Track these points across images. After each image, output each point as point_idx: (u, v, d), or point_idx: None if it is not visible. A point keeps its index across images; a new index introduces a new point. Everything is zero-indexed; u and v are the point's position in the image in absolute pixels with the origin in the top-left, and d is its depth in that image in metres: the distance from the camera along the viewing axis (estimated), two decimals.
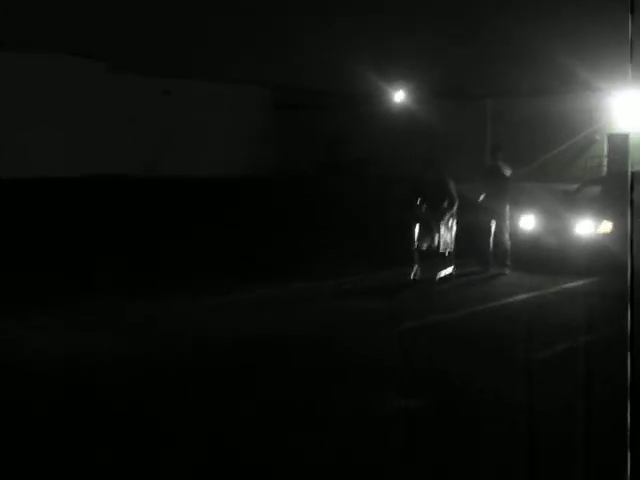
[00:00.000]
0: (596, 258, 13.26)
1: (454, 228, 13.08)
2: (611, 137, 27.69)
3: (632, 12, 3.75)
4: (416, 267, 12.64)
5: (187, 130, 32.71)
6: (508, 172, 13.86)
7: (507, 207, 13.83)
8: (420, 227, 12.76)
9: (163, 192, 20.51)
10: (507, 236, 13.86)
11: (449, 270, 12.89)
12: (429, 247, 12.77)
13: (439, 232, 12.74)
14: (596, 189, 16.41)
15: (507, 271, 13.67)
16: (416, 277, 12.58)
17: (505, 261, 13.77)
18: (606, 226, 13.73)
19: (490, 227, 13.74)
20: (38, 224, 15.72)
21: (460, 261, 13.39)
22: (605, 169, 27.68)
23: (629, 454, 4.04)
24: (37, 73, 27.76)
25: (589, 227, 13.83)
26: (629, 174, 18.79)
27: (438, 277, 12.65)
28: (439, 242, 12.76)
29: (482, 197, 13.85)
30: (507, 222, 13.89)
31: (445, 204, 12.82)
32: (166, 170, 29.13)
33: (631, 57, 3.91)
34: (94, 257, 13.93)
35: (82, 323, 9.63)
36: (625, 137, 26.67)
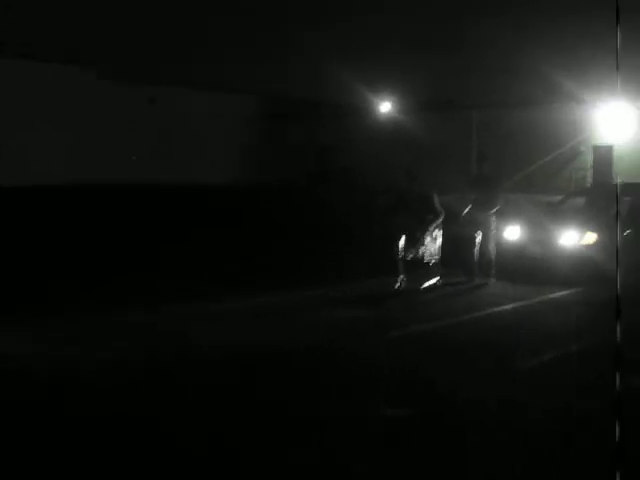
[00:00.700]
0: (580, 268, 13.34)
1: (439, 239, 13.13)
2: (596, 149, 27.83)
3: (618, 23, 3.78)
4: (401, 277, 12.69)
5: (176, 138, 32.69)
6: (495, 181, 13.92)
7: (493, 217, 13.88)
8: (405, 237, 12.80)
9: (152, 200, 20.45)
10: (492, 246, 13.92)
11: (434, 280, 12.94)
12: (414, 257, 12.82)
13: (424, 243, 12.79)
14: (581, 200, 16.52)
15: (492, 281, 13.73)
16: (401, 287, 12.63)
17: (490, 271, 13.83)
18: (590, 237, 13.81)
19: (475, 237, 13.80)
20: (32, 232, 15.66)
21: (445, 271, 13.44)
22: (590, 181, 27.82)
23: (617, 466, 4.05)
24: (29, 81, 27.73)
25: (574, 238, 13.92)
26: (614, 186, 18.91)
27: (423, 287, 12.70)
28: (424, 252, 12.80)
29: (467, 208, 13.90)
30: (493, 232, 13.94)
31: (430, 216, 12.86)
32: (156, 178, 29.09)
33: (617, 69, 3.95)
34: (88, 265, 13.90)
35: (85, 330, 9.62)
36: (610, 149, 26.83)
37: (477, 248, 13.82)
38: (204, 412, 6.69)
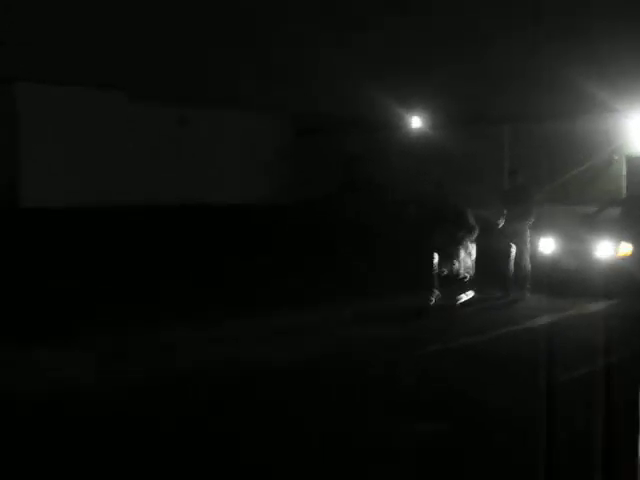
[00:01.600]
0: (616, 280, 13.24)
1: (473, 253, 13.13)
2: (629, 159, 27.64)
3: None
4: (436, 292, 12.69)
5: (206, 158, 32.91)
6: (527, 194, 13.88)
7: (527, 230, 13.85)
8: (440, 252, 12.81)
9: (182, 220, 20.63)
10: (527, 260, 13.88)
11: (470, 294, 12.92)
12: (449, 272, 12.82)
13: (459, 257, 12.79)
14: (615, 211, 16.40)
15: (527, 295, 13.68)
16: (437, 302, 12.62)
17: (525, 285, 13.78)
18: (626, 248, 13.72)
19: (510, 251, 13.76)
20: (59, 253, 15.87)
21: (481, 285, 13.42)
22: (624, 191, 27.62)
23: None
24: (63, 105, 28.09)
25: (609, 249, 13.83)
26: None
27: (459, 302, 12.68)
28: (459, 267, 12.80)
29: (502, 221, 13.87)
30: (528, 246, 13.91)
31: (464, 231, 12.87)
32: (184, 198, 29.30)
33: None
34: (111, 285, 14.06)
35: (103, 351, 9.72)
36: None
37: (512, 262, 13.79)
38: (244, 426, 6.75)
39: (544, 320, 11.58)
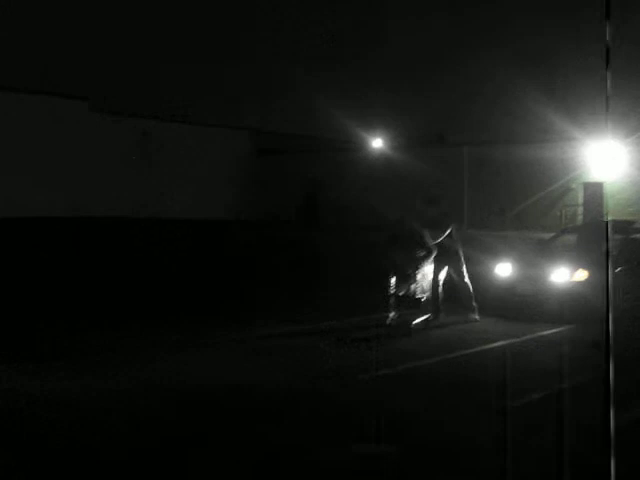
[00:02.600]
0: (571, 306, 13.31)
1: (430, 274, 13.13)
2: (587, 186, 27.99)
3: (608, 63, 3.81)
4: (393, 313, 12.64)
5: (166, 172, 32.75)
6: (446, 222, 13.73)
7: (459, 252, 13.83)
8: (397, 274, 12.78)
9: (141, 234, 20.43)
10: (466, 279, 13.87)
11: (426, 316, 12.90)
12: (406, 293, 12.79)
13: (416, 278, 12.76)
14: (572, 237, 16.55)
15: (475, 316, 13.68)
16: (392, 323, 12.57)
17: (470, 304, 13.77)
18: (581, 274, 13.80)
19: (438, 274, 13.65)
20: (16, 265, 15.61)
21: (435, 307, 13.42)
22: (581, 218, 27.92)
23: None
24: (22, 113, 27.81)
25: (565, 275, 13.90)
26: (605, 223, 18.94)
27: (414, 323, 12.65)
28: (416, 288, 12.77)
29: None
30: (463, 267, 13.88)
31: (422, 252, 12.85)
32: (145, 212, 29.11)
33: (607, 108, 3.97)
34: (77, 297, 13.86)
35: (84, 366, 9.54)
36: (600, 186, 26.98)
37: (439, 284, 13.74)
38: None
39: (499, 344, 11.57)
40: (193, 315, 13.37)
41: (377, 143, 32.92)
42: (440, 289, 13.80)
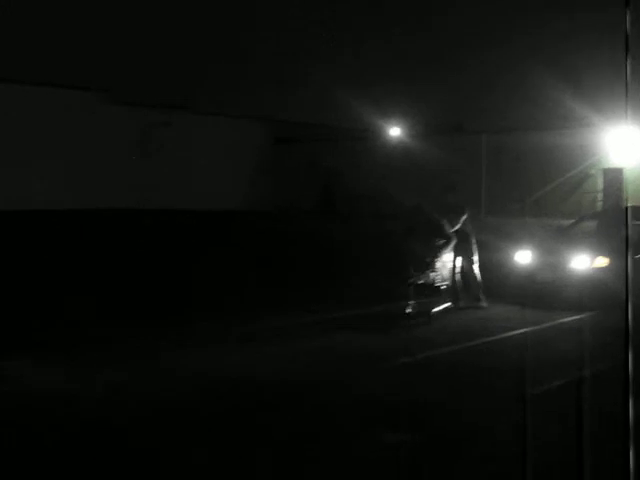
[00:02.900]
0: (592, 293, 13.26)
1: (449, 263, 13.11)
2: (606, 172, 27.80)
3: (627, 49, 3.78)
4: (412, 302, 12.62)
5: (185, 163, 32.79)
6: (460, 210, 13.73)
7: (472, 242, 13.84)
8: (416, 263, 12.76)
9: (159, 225, 20.50)
10: (476, 270, 13.89)
11: (446, 304, 12.88)
12: (425, 282, 12.77)
13: (435, 267, 12.74)
14: (592, 224, 16.46)
15: (483, 304, 13.70)
16: (412, 312, 12.55)
17: (478, 294, 13.80)
18: (601, 261, 13.74)
19: (454, 261, 13.67)
20: (34, 257, 15.69)
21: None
22: (600, 204, 27.75)
23: None
24: (37, 106, 27.91)
25: (585, 262, 13.85)
26: (624, 209, 18.84)
27: (433, 311, 12.62)
28: (435, 277, 12.75)
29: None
30: (474, 257, 13.89)
31: (441, 241, 12.84)
32: (162, 203, 29.18)
33: (627, 93, 3.93)
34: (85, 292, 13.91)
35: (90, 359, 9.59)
36: (620, 172, 26.78)
37: (457, 272, 13.77)
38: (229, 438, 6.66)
39: (519, 331, 11.54)
40: (207, 307, 13.36)
41: (395, 131, 32.82)
42: (458, 277, 13.80)
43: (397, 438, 6.68)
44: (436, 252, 12.79)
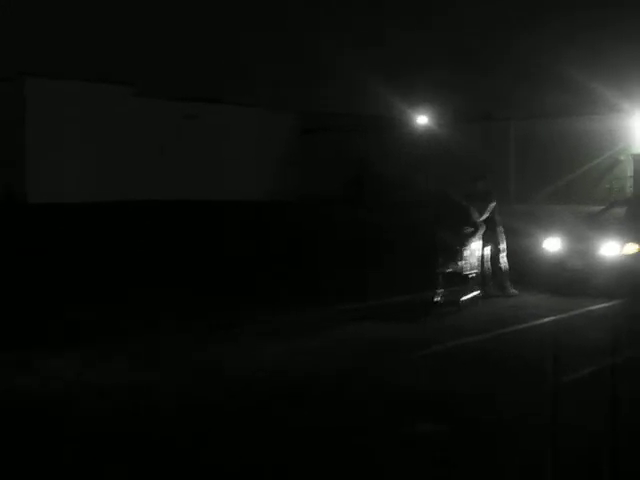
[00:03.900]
0: (621, 280, 13.21)
1: (478, 251, 13.10)
2: (636, 158, 27.61)
3: None
4: (441, 290, 12.64)
5: (212, 154, 32.92)
6: (491, 199, 13.69)
7: (499, 231, 13.80)
8: (445, 251, 12.77)
9: (187, 216, 20.63)
10: (504, 258, 13.83)
11: (474, 293, 12.88)
12: (454, 270, 12.78)
13: (463, 256, 12.75)
14: (621, 210, 16.37)
15: (511, 292, 13.66)
16: (441, 300, 12.57)
17: (505, 283, 13.76)
18: (631, 248, 13.68)
19: (483, 250, 13.66)
20: (66, 248, 15.88)
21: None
22: (630, 190, 27.58)
23: None
24: (69, 99, 28.14)
25: (614, 249, 13.78)
26: None
27: (462, 300, 12.63)
28: (464, 265, 12.75)
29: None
30: (502, 246, 13.85)
31: (469, 229, 12.84)
32: (191, 194, 29.31)
33: None
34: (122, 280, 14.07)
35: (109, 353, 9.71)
36: None
37: (486, 261, 13.74)
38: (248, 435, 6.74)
39: (548, 319, 11.54)
40: (235, 295, 13.44)
41: (422, 120, 32.76)
42: (488, 265, 13.80)
43: (428, 428, 6.73)
44: (465, 240, 12.80)
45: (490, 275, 13.83)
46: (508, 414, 7.10)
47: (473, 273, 12.95)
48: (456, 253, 12.78)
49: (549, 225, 15.40)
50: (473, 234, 12.90)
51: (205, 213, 21.08)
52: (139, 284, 13.90)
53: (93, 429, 6.79)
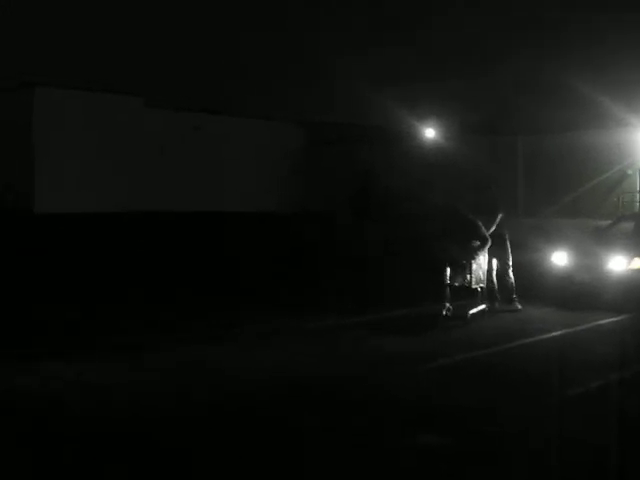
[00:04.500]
0: (629, 294, 13.18)
1: (485, 265, 13.06)
2: None
3: None
4: (448, 304, 12.60)
5: (218, 165, 32.98)
6: (498, 211, 13.64)
7: (507, 246, 13.75)
8: (452, 265, 12.74)
9: (191, 226, 20.67)
10: (510, 273, 13.77)
11: (481, 307, 12.84)
12: (461, 284, 12.75)
13: (471, 269, 12.71)
14: (629, 225, 16.33)
15: (517, 306, 13.60)
16: (448, 314, 12.52)
17: (511, 297, 13.70)
18: (639, 262, 13.65)
19: (490, 263, 13.62)
20: (72, 259, 15.92)
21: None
22: (638, 205, 27.53)
23: None
24: (79, 109, 28.24)
25: (622, 263, 13.75)
26: None
27: (470, 313, 12.59)
28: (471, 279, 12.71)
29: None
30: (509, 260, 13.79)
31: (476, 243, 12.81)
32: (196, 205, 29.36)
33: None
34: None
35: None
36: None
37: (493, 275, 13.69)
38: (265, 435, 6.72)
39: (556, 333, 11.51)
40: (244, 303, 13.46)
41: (429, 133, 32.74)
42: (494, 278, 13.75)
43: (432, 440, 6.70)
44: (472, 254, 12.76)
45: (497, 289, 13.77)
46: (513, 427, 7.05)
47: (480, 287, 12.91)
48: (464, 267, 12.75)
49: (557, 239, 15.36)
50: (480, 248, 12.86)
51: (214, 224, 21.09)
52: (146, 290, 13.94)
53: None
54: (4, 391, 8.01)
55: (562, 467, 6.02)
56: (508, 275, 13.81)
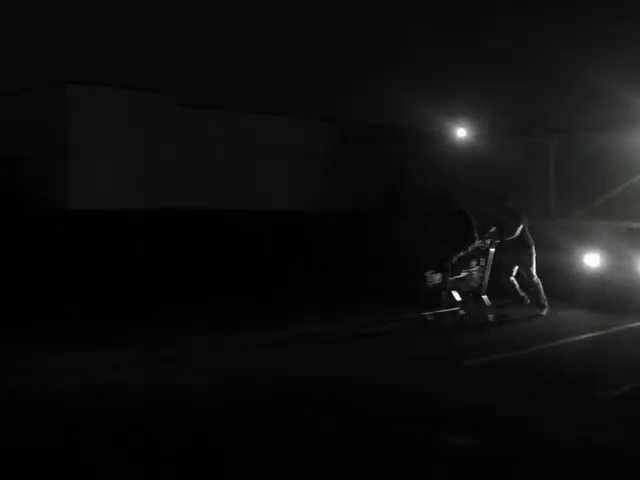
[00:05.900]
0: None
1: (477, 273, 12.83)
2: None
3: None
4: (466, 305, 12.43)
5: (250, 163, 33.05)
6: (519, 219, 13.55)
7: (531, 250, 13.63)
8: (442, 266, 12.50)
9: (225, 225, 20.74)
10: (534, 276, 13.64)
11: (503, 309, 12.77)
12: (472, 288, 12.64)
13: (485, 274, 12.63)
14: None
15: (545, 310, 13.47)
16: (466, 318, 12.31)
17: (539, 301, 13.57)
18: None
19: (511, 269, 13.55)
20: (105, 256, 16.06)
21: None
22: None
23: None
24: (112, 107, 28.41)
25: None
26: None
27: (490, 316, 12.50)
28: (475, 282, 12.62)
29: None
30: (532, 264, 13.66)
31: (470, 247, 12.64)
32: (229, 203, 29.43)
33: None
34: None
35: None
36: None
37: (513, 278, 13.62)
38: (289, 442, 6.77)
39: (588, 336, 11.46)
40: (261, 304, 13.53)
41: (461, 132, 32.61)
42: (515, 281, 13.62)
43: (464, 441, 6.70)
44: (486, 258, 12.69)
45: (522, 292, 13.65)
46: (542, 430, 7.02)
47: (483, 289, 12.75)
48: (484, 269, 12.69)
49: (589, 241, 15.26)
50: (486, 252, 12.75)
51: (249, 222, 21.18)
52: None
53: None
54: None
55: (601, 471, 6.00)
56: (534, 279, 13.66)
